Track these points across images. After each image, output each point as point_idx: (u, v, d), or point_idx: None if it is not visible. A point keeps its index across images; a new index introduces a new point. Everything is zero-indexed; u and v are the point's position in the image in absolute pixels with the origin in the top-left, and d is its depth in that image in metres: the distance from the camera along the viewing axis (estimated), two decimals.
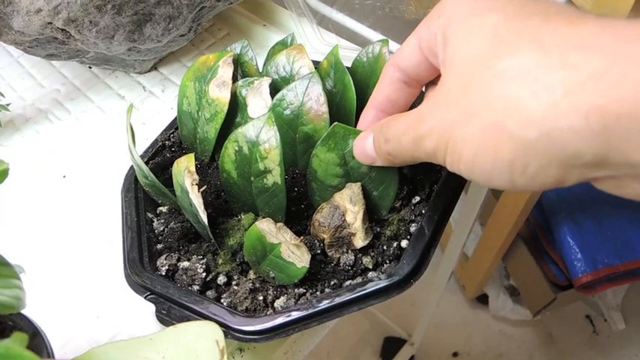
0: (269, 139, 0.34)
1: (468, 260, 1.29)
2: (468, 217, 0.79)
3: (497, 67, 0.21)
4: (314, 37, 0.55)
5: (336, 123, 0.35)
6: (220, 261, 0.36)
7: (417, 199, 0.37)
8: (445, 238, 1.10)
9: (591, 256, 1.06)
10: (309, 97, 0.37)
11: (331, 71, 0.40)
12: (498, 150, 0.21)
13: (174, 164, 0.36)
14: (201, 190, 0.34)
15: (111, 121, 0.55)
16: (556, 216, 1.12)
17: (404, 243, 0.35)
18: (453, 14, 0.24)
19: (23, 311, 0.30)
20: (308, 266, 0.33)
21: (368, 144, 0.31)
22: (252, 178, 0.35)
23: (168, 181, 0.39)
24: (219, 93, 0.39)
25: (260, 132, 0.34)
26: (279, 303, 0.34)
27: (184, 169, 0.35)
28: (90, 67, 0.60)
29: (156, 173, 0.41)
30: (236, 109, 0.40)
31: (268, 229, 0.33)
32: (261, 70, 0.43)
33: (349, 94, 0.39)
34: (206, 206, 0.35)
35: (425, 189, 0.38)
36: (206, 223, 0.34)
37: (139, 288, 0.35)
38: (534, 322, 1.31)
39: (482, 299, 1.35)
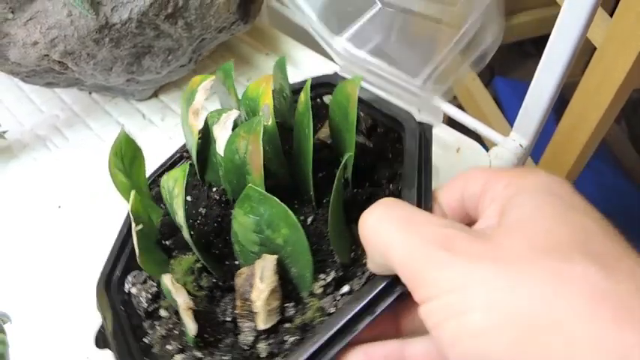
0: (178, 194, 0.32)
1: None
2: None
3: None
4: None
5: (249, 185, 0.30)
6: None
7: (346, 289, 0.30)
8: None
9: None
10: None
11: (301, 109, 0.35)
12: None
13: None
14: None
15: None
16: None
17: None
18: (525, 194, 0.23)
19: None
20: (194, 335, 0.29)
21: (370, 220, 0.26)
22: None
23: None
24: (194, 120, 0.37)
25: (174, 185, 0.33)
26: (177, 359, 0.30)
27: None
28: (90, 93, 0.59)
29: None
30: (209, 138, 0.37)
31: (170, 285, 0.31)
32: (241, 98, 0.39)
33: (305, 144, 0.33)
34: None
35: (361, 279, 0.30)
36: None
37: None
38: None
39: None
